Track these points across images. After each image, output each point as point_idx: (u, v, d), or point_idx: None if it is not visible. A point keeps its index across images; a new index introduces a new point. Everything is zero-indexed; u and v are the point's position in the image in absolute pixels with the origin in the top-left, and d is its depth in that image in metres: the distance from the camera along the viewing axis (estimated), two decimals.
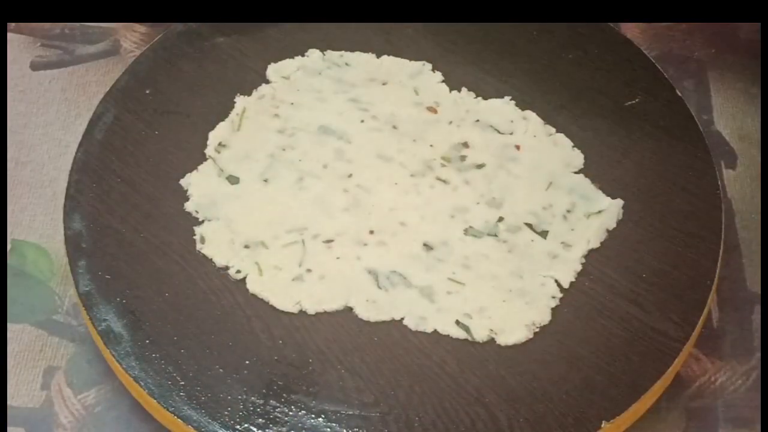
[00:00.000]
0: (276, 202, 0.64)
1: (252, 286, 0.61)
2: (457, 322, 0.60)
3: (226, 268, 0.62)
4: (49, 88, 0.74)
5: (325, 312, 0.60)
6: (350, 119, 0.68)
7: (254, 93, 0.69)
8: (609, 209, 0.64)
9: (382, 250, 0.62)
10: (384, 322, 0.60)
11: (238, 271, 0.62)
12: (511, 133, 0.67)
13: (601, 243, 0.63)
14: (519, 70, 0.70)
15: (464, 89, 0.69)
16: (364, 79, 0.69)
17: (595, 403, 0.57)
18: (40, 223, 0.68)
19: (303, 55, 0.71)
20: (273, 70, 0.70)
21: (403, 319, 0.60)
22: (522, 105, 0.68)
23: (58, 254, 0.66)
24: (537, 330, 0.60)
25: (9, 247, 0.67)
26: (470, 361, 0.59)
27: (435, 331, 0.60)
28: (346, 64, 0.70)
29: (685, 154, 0.66)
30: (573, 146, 0.67)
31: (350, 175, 0.65)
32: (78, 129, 0.69)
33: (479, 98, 0.69)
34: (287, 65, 0.70)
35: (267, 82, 0.70)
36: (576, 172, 0.66)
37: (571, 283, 0.61)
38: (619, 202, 0.64)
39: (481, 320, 0.60)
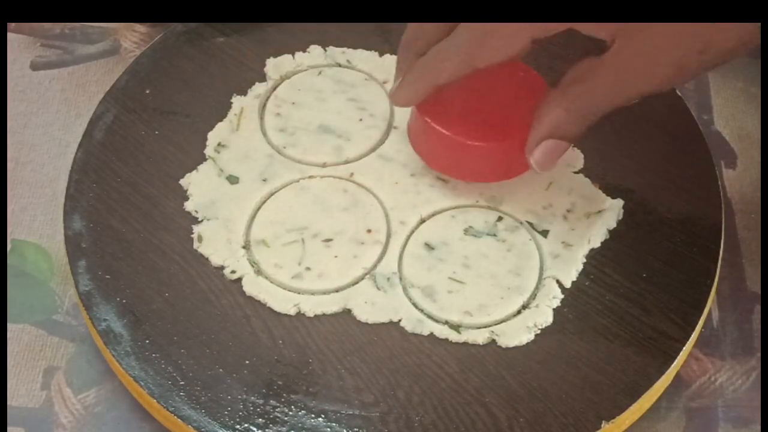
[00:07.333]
0: (276, 201, 0.64)
1: (248, 288, 0.61)
2: (456, 327, 0.60)
3: (222, 267, 0.62)
4: (49, 88, 0.74)
5: (324, 314, 0.60)
6: (349, 118, 0.68)
7: (249, 92, 0.69)
8: (609, 209, 0.64)
9: (382, 249, 0.62)
10: (383, 323, 0.60)
11: (233, 272, 0.62)
12: None
13: (601, 243, 0.63)
14: None
15: None
16: (364, 78, 0.69)
17: (595, 403, 0.57)
18: (40, 223, 0.68)
19: (304, 52, 0.71)
20: (272, 65, 0.70)
21: (400, 320, 0.60)
22: None
23: (58, 254, 0.66)
24: (538, 332, 0.60)
25: (9, 247, 0.67)
26: (470, 361, 0.59)
27: (432, 334, 0.60)
28: (348, 61, 0.70)
29: (685, 154, 0.66)
30: (573, 146, 0.67)
31: (351, 174, 0.65)
32: (78, 129, 0.69)
33: None
34: (286, 60, 0.70)
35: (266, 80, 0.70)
36: (576, 172, 0.66)
37: (572, 283, 0.61)
38: (619, 202, 0.64)
39: (481, 320, 0.60)
